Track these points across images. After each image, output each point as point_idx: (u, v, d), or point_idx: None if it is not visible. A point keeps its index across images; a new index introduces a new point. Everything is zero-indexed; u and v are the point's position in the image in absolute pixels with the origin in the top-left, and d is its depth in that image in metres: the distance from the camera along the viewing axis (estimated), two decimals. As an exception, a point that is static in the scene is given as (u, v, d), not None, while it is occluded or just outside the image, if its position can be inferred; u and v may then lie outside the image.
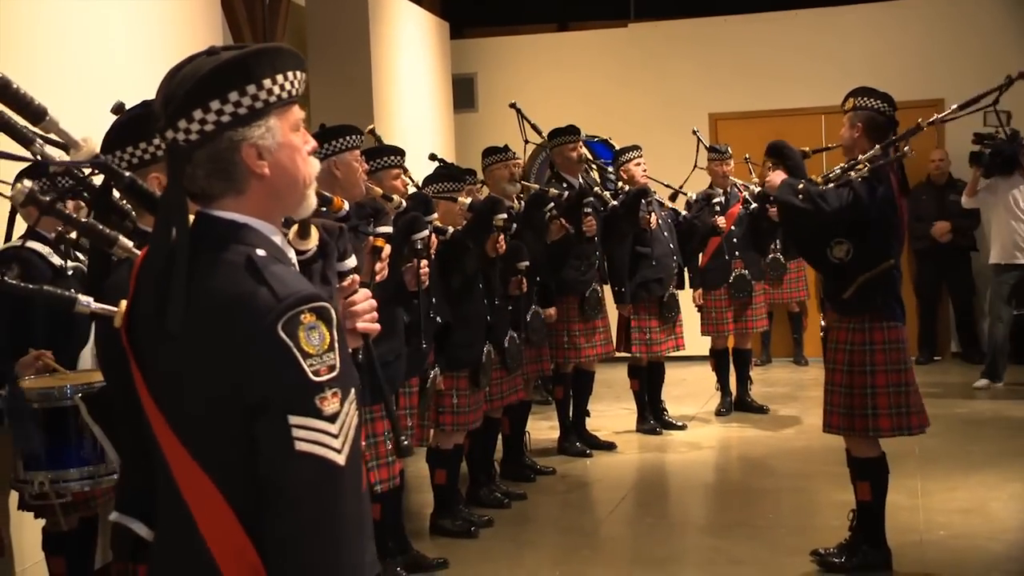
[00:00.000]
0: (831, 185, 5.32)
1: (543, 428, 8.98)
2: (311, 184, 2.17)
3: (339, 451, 1.94)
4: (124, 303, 2.41)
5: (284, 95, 2.07)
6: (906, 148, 5.47)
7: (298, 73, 2.11)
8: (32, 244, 4.83)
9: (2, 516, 4.99)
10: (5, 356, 4.69)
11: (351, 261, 2.57)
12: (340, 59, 9.79)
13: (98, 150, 2.47)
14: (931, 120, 5.67)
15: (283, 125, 2.08)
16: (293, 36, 9.74)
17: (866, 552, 5.52)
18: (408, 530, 6.22)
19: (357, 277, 4.44)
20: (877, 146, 5.33)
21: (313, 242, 2.17)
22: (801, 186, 5.31)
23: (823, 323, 5.65)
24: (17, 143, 2.62)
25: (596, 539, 6.60)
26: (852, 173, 5.30)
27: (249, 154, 2.04)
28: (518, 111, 8.54)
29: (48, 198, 2.86)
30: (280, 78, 2.06)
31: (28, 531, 5.30)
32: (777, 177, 5.49)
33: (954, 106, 5.72)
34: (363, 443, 5.11)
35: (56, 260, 4.93)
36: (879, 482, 5.49)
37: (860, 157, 5.33)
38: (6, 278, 4.93)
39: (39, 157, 2.65)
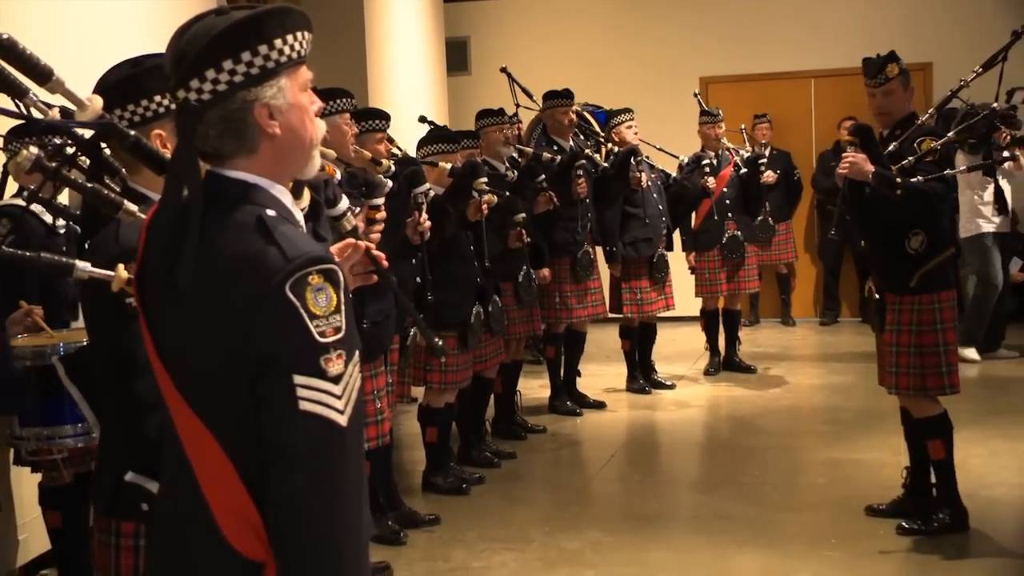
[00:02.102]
0: (920, 177, 5.19)
1: (534, 387, 9.00)
2: (317, 144, 2.16)
3: (342, 412, 1.93)
4: (121, 267, 2.40)
5: (294, 55, 2.05)
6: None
7: (307, 33, 2.08)
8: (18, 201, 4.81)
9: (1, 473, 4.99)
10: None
11: (343, 204, 2.56)
12: (334, 22, 9.72)
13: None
14: (958, 87, 5.62)
15: (293, 85, 2.06)
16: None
17: (943, 515, 5.48)
18: (401, 487, 6.25)
19: (383, 214, 4.46)
20: (927, 119, 5.35)
21: (305, 202, 2.16)
22: (899, 180, 5.14)
23: (870, 285, 5.57)
24: (12, 97, 2.60)
25: (585, 496, 6.62)
26: (928, 158, 5.24)
27: (261, 114, 2.02)
28: (509, 76, 8.51)
29: (54, 164, 2.83)
30: (290, 38, 2.04)
31: (26, 487, 5.31)
32: (865, 163, 5.18)
33: (978, 68, 5.64)
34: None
35: (48, 218, 4.91)
36: (950, 438, 5.45)
37: (927, 141, 5.27)
38: (2, 246, 4.97)
39: (32, 111, 2.63)
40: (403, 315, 5.78)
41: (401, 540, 5.74)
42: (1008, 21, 11.21)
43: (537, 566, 5.38)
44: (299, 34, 2.05)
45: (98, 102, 2.38)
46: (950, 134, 5.56)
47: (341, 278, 1.98)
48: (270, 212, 1.99)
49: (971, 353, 9.40)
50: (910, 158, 5.26)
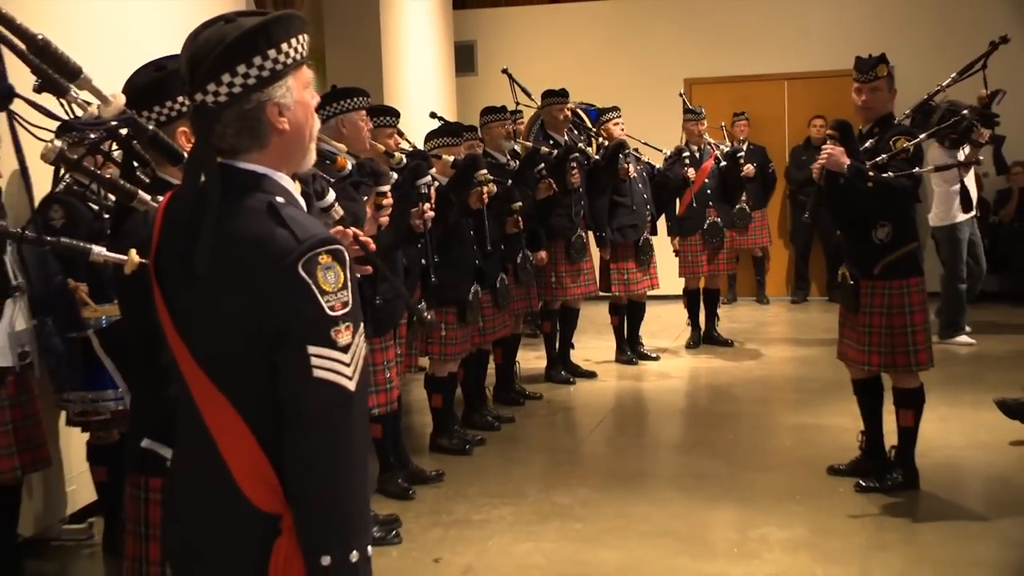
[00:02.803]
0: (890, 173, 5.21)
1: (532, 358, 9.02)
2: (314, 138, 2.17)
3: (350, 378, 1.95)
4: (133, 252, 2.42)
5: (298, 57, 2.06)
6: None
7: (306, 36, 2.10)
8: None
9: (51, 432, 5.04)
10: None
11: (330, 197, 2.58)
12: (353, 26, 9.74)
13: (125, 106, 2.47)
14: (935, 91, 5.61)
15: (298, 84, 2.07)
16: (312, 4, 9.69)
17: (896, 475, 5.55)
18: (409, 448, 6.29)
19: (390, 200, 4.49)
20: (904, 120, 5.35)
21: (297, 192, 2.18)
22: (872, 173, 5.18)
23: (843, 271, 5.59)
24: (55, 95, 2.62)
25: (577, 456, 6.65)
26: (902, 156, 5.24)
27: (272, 112, 2.03)
28: (510, 76, 8.52)
29: (75, 156, 2.86)
30: (294, 41, 2.05)
31: (73, 445, 5.37)
32: (842, 156, 5.22)
33: (953, 75, 5.64)
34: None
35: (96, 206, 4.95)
36: (920, 409, 5.51)
37: (900, 139, 5.27)
38: (52, 221, 5.01)
39: (72, 107, 2.64)
40: (411, 292, 5.82)
41: (410, 495, 5.77)
42: (973, 22, 11.29)
43: (532, 519, 5.42)
44: (301, 37, 2.07)
45: (121, 99, 2.40)
46: (932, 130, 5.54)
47: (347, 258, 2.00)
48: (279, 199, 2.01)
49: (963, 339, 9.25)
50: (884, 155, 5.28)
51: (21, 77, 2.56)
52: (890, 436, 5.65)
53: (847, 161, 5.20)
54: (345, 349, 1.95)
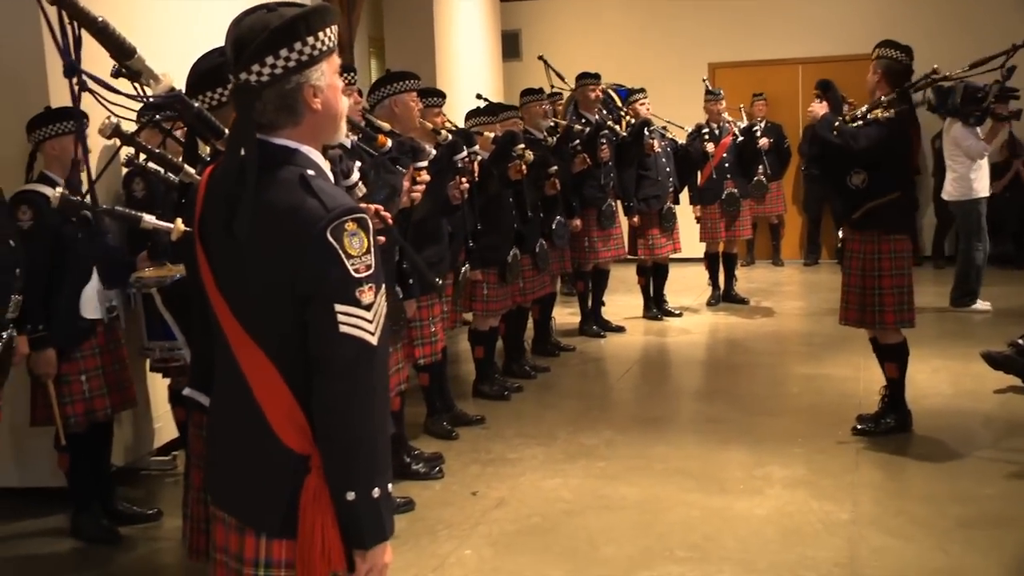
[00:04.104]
0: (859, 123, 5.21)
1: (566, 315, 8.99)
2: (344, 116, 2.15)
3: (373, 334, 1.94)
4: (179, 221, 2.41)
5: (331, 44, 2.05)
6: (926, 96, 5.32)
7: (336, 27, 2.08)
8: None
9: (138, 376, 5.11)
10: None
11: (354, 176, 2.56)
12: (410, 16, 9.70)
13: (175, 85, 2.44)
14: (945, 75, 5.48)
15: (330, 69, 2.05)
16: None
17: (889, 420, 5.50)
18: (454, 393, 6.28)
19: (426, 175, 4.48)
20: (895, 91, 5.19)
21: (327, 166, 2.16)
22: (837, 124, 5.21)
23: (840, 235, 5.56)
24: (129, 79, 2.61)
25: (605, 402, 6.63)
26: (877, 113, 5.19)
27: (308, 93, 2.01)
28: (545, 62, 8.47)
29: (128, 132, 2.86)
30: (329, 31, 2.03)
31: (159, 387, 5.44)
32: (820, 110, 5.36)
33: (967, 65, 5.48)
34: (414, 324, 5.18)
35: (172, 177, 4.96)
36: (903, 362, 5.44)
37: (881, 99, 5.21)
38: (134, 193, 5.05)
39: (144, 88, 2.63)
40: (455, 255, 5.81)
41: (453, 436, 5.79)
42: (987, 11, 11.04)
43: (560, 458, 5.42)
44: (333, 27, 2.05)
45: (169, 78, 2.39)
46: (958, 108, 5.40)
47: (370, 225, 1.99)
48: (310, 171, 1.99)
49: (982, 304, 8.82)
50: (862, 108, 5.30)
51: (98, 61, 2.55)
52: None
53: (821, 112, 5.31)
54: (368, 307, 1.94)
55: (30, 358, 4.31)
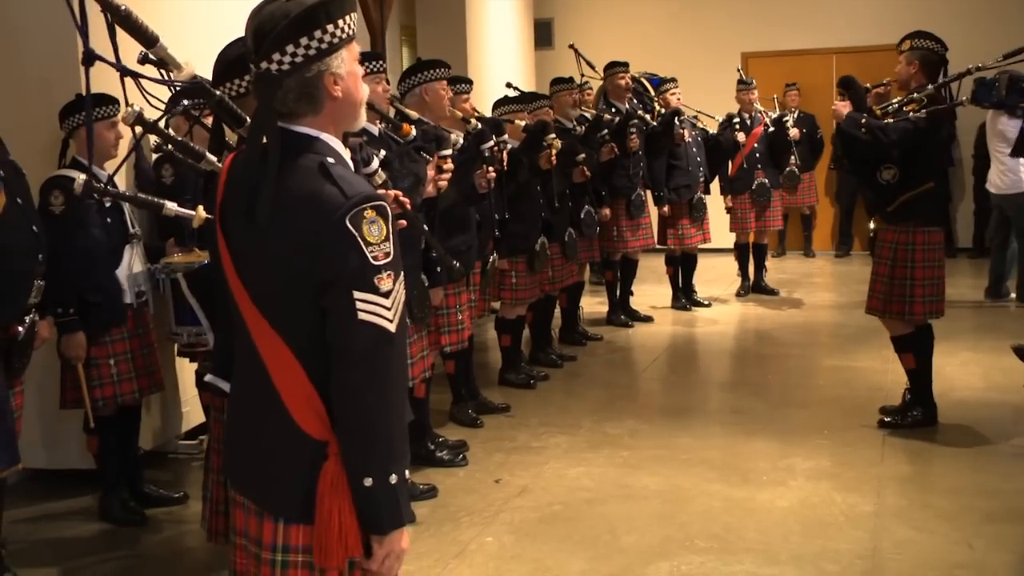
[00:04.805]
0: (889, 120, 5.17)
1: (594, 304, 8.99)
2: (364, 104, 2.15)
3: (391, 321, 1.95)
4: (200, 208, 2.44)
5: (351, 32, 2.05)
6: (964, 98, 5.27)
7: (355, 15, 2.09)
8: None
9: (166, 361, 5.17)
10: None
11: (374, 164, 2.57)
12: (440, 3, 9.71)
13: (197, 73, 2.47)
14: (980, 66, 5.42)
15: (350, 57, 2.05)
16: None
17: (915, 412, 5.47)
18: (480, 381, 6.31)
19: (451, 164, 4.51)
20: (930, 85, 5.14)
21: (347, 154, 2.17)
22: (864, 120, 5.17)
23: (872, 225, 5.53)
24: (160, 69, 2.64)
25: (630, 391, 6.63)
26: (912, 108, 5.14)
27: (329, 81, 2.01)
28: (576, 51, 8.48)
29: (151, 120, 2.89)
30: (348, 19, 2.03)
31: (187, 372, 5.49)
32: (844, 108, 5.33)
33: (1000, 56, 5.39)
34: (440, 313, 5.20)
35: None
36: (919, 351, 5.39)
37: (915, 95, 5.15)
38: (163, 179, 5.10)
39: (164, 73, 2.65)
40: (484, 244, 5.82)
41: (478, 423, 5.82)
42: (1020, 2, 10.92)
43: (584, 447, 5.43)
44: (352, 15, 2.05)
45: (191, 67, 2.41)
46: (928, 87, 5.35)
47: (389, 213, 1.99)
48: (330, 159, 2.00)
49: None
50: (893, 102, 5.28)
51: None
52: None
53: (844, 111, 5.30)
54: (387, 295, 1.94)
55: (60, 341, 4.38)
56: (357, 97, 2.10)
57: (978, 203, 11.18)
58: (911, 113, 5.15)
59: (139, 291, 4.65)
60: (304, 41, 1.98)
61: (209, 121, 3.60)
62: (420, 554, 4.12)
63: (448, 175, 4.49)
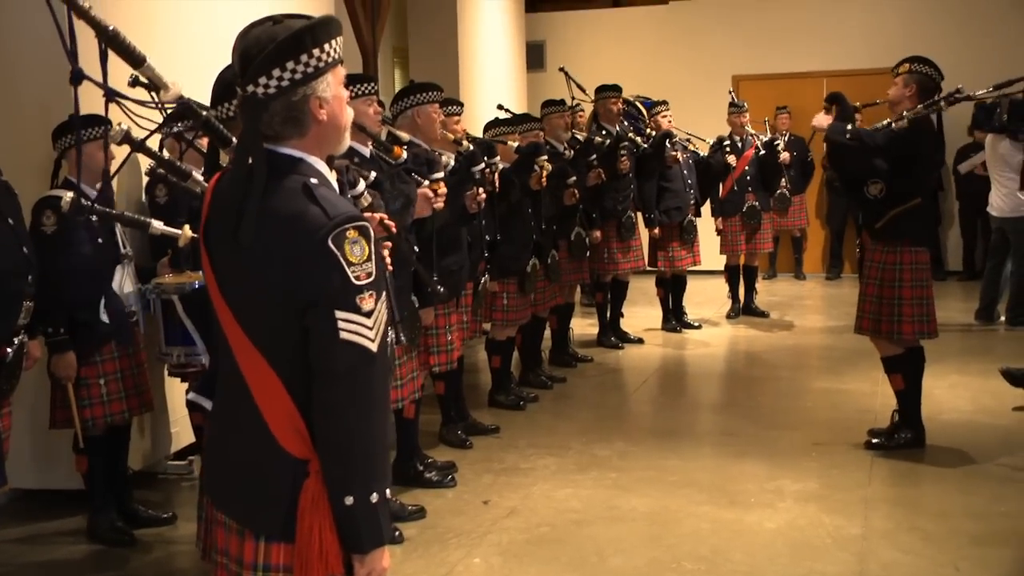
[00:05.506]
0: (876, 126, 5.26)
1: (585, 325, 8.99)
2: (348, 127, 2.17)
3: (373, 340, 1.96)
4: (187, 227, 2.45)
5: (336, 56, 2.07)
6: (943, 102, 5.31)
7: (341, 39, 2.11)
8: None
9: (156, 381, 5.16)
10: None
11: (360, 187, 2.59)
12: (433, 25, 9.76)
13: (184, 94, 2.48)
14: (968, 95, 5.44)
15: (335, 80, 2.07)
16: (396, 8, 9.71)
17: (904, 434, 5.48)
18: (470, 402, 6.31)
19: (443, 187, 4.53)
20: (920, 106, 5.18)
21: (332, 176, 2.19)
22: (849, 127, 5.24)
23: (859, 243, 5.57)
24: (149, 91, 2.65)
25: (620, 413, 6.63)
26: (894, 125, 5.20)
27: (314, 104, 2.03)
28: (566, 74, 8.53)
29: (138, 139, 2.91)
30: (334, 43, 2.05)
31: (177, 392, 5.48)
32: (825, 120, 5.38)
33: (990, 86, 5.54)
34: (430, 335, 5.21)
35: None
36: (908, 372, 5.41)
37: (904, 114, 5.19)
38: (156, 198, 5.11)
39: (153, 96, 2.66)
40: (475, 265, 5.83)
41: (467, 445, 5.82)
42: (1008, 28, 11.01)
43: (573, 468, 5.43)
44: (338, 39, 2.07)
45: (178, 87, 2.42)
46: (918, 108, 5.40)
47: (372, 233, 2.00)
48: (313, 180, 2.01)
49: None
50: (884, 121, 5.30)
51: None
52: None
53: (826, 122, 5.36)
54: (368, 314, 1.96)
55: (51, 361, 4.38)
56: (342, 121, 2.12)
57: (965, 227, 11.26)
58: (893, 124, 5.20)
59: (129, 311, 4.66)
60: (290, 65, 2.00)
61: (203, 143, 3.65)
62: (408, 575, 4.12)
63: (443, 198, 4.51)
